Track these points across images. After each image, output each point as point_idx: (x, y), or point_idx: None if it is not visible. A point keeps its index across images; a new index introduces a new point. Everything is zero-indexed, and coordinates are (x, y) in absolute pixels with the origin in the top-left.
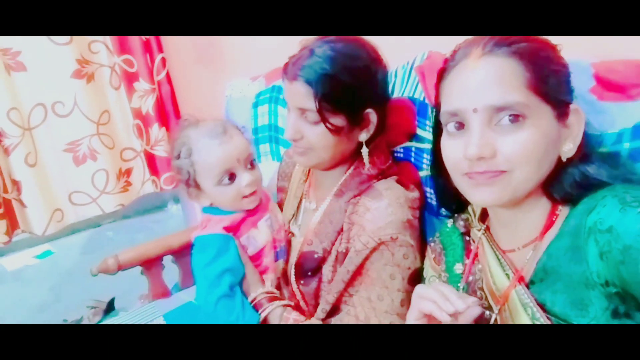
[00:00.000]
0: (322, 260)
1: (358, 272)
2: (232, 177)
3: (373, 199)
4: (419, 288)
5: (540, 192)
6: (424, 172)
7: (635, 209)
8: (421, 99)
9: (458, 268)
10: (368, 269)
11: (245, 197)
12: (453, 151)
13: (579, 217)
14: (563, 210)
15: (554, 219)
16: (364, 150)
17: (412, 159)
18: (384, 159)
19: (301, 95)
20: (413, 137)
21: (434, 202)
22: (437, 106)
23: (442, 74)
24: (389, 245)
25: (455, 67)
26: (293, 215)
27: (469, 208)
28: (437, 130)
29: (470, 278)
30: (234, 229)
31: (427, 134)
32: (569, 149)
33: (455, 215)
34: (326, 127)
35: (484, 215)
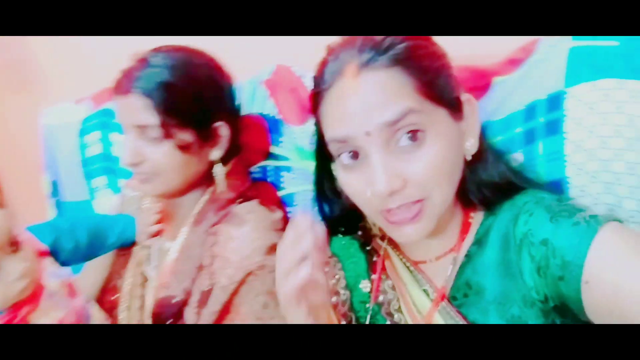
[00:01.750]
0: (184, 303)
1: (226, 310)
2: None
3: (235, 226)
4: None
5: (453, 199)
6: (283, 192)
7: (569, 220)
8: (272, 114)
9: (365, 286)
10: (238, 305)
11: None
12: (357, 188)
13: (503, 226)
14: (476, 216)
15: (468, 228)
16: (219, 170)
17: (270, 179)
18: (243, 181)
19: (138, 109)
20: (268, 155)
21: None
22: (319, 133)
23: (315, 98)
24: (258, 275)
25: (330, 89)
26: (146, 257)
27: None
28: (320, 156)
29: (381, 298)
30: None
31: (281, 150)
32: (471, 145)
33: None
34: (173, 143)
35: None
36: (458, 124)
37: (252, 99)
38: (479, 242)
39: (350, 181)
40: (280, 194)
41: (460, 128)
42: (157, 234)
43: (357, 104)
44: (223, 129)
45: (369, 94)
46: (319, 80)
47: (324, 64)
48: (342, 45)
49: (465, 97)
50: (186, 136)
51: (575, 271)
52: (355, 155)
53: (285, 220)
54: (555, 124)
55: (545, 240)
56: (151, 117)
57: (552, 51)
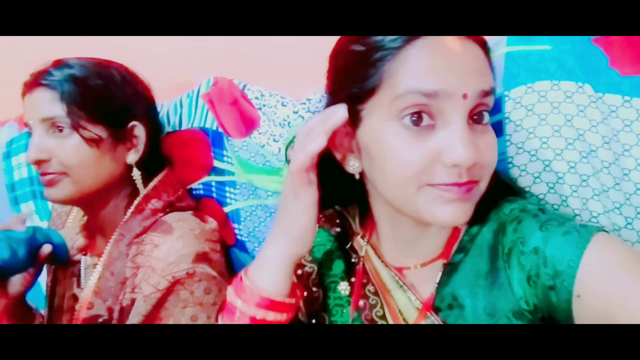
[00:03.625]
0: (108, 322)
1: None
2: None
3: (162, 233)
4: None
5: None
6: (229, 207)
7: (559, 229)
8: (214, 128)
9: (343, 288)
10: (164, 318)
11: None
12: (418, 156)
13: (489, 235)
14: (463, 225)
15: (457, 235)
16: (136, 174)
17: (214, 194)
18: (172, 193)
19: (44, 102)
20: (211, 170)
21: (244, 239)
22: (358, 92)
23: (375, 52)
24: (186, 283)
25: (412, 42)
26: (76, 278)
27: (344, 211)
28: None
29: (361, 303)
30: None
31: (226, 165)
32: None
33: (322, 218)
34: (79, 134)
35: (363, 220)
36: None
37: (191, 113)
38: (463, 249)
39: (410, 148)
40: (226, 209)
41: None
42: (83, 250)
43: (460, 64)
44: (138, 130)
45: (471, 58)
46: (376, 41)
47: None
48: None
49: None
50: (97, 130)
51: (567, 281)
52: (419, 119)
53: (232, 235)
54: (497, 126)
55: (536, 249)
56: (57, 108)
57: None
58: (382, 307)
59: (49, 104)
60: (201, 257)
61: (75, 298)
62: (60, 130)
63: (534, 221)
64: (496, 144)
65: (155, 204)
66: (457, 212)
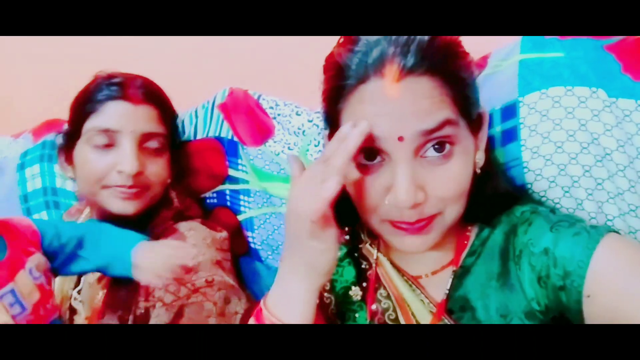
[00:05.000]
0: None
1: None
2: None
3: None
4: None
5: None
6: (243, 216)
7: (570, 230)
8: (229, 137)
9: (355, 293)
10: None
11: None
12: (369, 191)
13: (500, 238)
14: (472, 229)
15: (466, 242)
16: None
17: (228, 203)
18: (181, 200)
19: (148, 119)
20: (226, 179)
21: (257, 247)
22: (330, 124)
23: (337, 91)
24: (207, 293)
25: (361, 85)
26: (75, 287)
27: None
28: None
29: (374, 307)
30: None
31: (240, 174)
32: (480, 158)
33: None
34: (169, 153)
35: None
36: (474, 138)
37: (206, 122)
38: (474, 253)
39: (365, 182)
40: (239, 217)
41: (475, 142)
42: None
43: (395, 108)
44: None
45: (410, 100)
46: (343, 71)
47: (348, 53)
48: (370, 38)
49: (482, 110)
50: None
51: (577, 281)
52: (372, 156)
53: (240, 241)
54: (512, 132)
55: (546, 250)
56: (160, 127)
57: (502, 65)
58: (394, 310)
59: (152, 121)
60: (217, 266)
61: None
62: (157, 148)
63: (544, 222)
64: (464, 169)
65: (165, 211)
66: (416, 243)
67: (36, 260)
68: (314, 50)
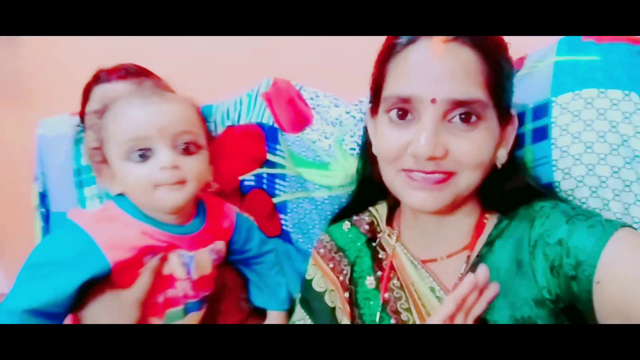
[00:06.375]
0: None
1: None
2: (146, 152)
3: None
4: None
5: (473, 198)
6: (278, 199)
7: (585, 223)
8: (270, 123)
9: (370, 282)
10: None
11: (159, 185)
12: (394, 143)
13: (517, 230)
14: (491, 218)
15: (483, 228)
16: None
17: (265, 186)
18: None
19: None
20: (264, 163)
21: (289, 229)
22: (375, 88)
23: (389, 50)
24: None
25: (410, 45)
26: None
27: (373, 209)
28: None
29: (387, 295)
30: (150, 250)
31: (278, 158)
32: (502, 156)
33: (354, 217)
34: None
35: (391, 218)
36: (499, 130)
37: (250, 109)
38: (491, 243)
39: (390, 135)
40: (274, 200)
41: (500, 135)
42: None
43: (435, 70)
44: None
45: (450, 64)
46: (398, 40)
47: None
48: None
49: (513, 112)
50: None
51: (588, 271)
52: (404, 114)
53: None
54: (543, 130)
55: (560, 240)
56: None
57: (538, 66)
58: (407, 300)
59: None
60: None
61: None
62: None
63: (562, 216)
64: (485, 143)
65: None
66: (427, 198)
67: (219, 245)
68: (352, 51)
